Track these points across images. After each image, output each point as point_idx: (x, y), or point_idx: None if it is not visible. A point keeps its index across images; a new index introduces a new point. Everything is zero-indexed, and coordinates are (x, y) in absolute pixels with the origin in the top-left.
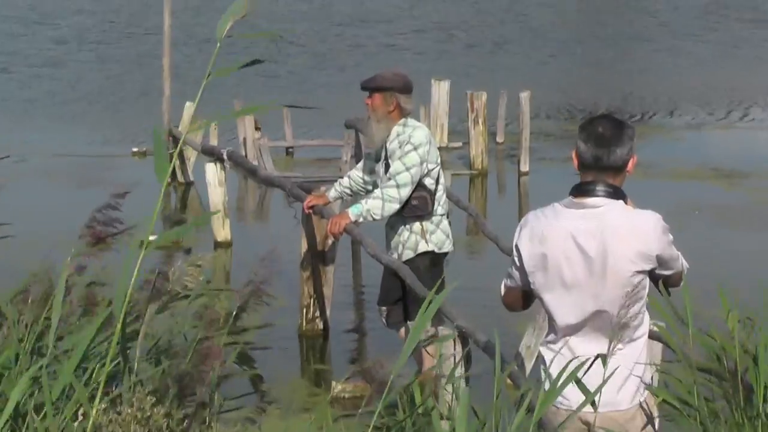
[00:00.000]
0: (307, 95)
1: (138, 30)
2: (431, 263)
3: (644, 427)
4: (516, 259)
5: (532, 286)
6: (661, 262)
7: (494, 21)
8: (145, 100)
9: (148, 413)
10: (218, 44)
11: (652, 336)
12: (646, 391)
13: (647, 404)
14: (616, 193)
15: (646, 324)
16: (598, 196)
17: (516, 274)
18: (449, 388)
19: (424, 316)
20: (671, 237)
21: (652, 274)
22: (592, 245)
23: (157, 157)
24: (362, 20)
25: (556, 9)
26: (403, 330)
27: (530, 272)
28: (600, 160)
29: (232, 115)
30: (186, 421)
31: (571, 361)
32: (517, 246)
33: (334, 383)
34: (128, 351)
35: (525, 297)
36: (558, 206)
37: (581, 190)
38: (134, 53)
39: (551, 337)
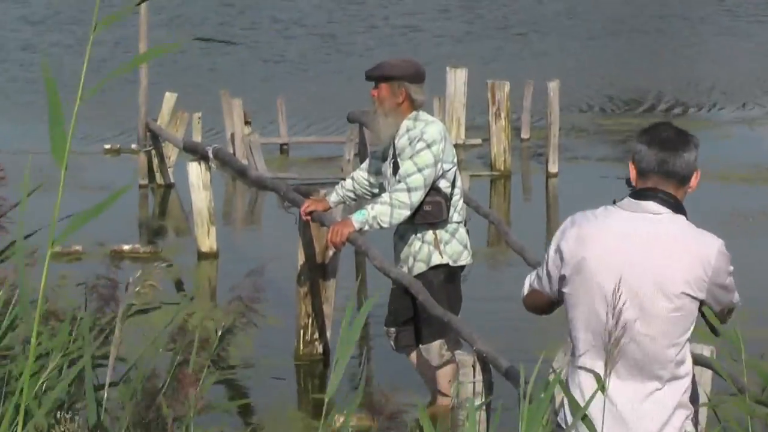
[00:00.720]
0: (308, 83)
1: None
2: (446, 278)
3: None
4: (551, 261)
5: (564, 294)
6: (714, 293)
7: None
8: (119, 91)
9: None
10: None
11: (699, 362)
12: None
13: None
14: (678, 207)
15: (689, 361)
16: (659, 202)
17: (546, 277)
18: (468, 420)
19: None
20: (732, 268)
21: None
22: (643, 253)
23: (53, 127)
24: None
25: None
26: (414, 354)
27: (567, 277)
28: (665, 164)
29: (130, 66)
30: None
31: (596, 391)
32: (559, 247)
33: (335, 415)
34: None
35: (550, 303)
36: (610, 207)
37: (640, 195)
38: (111, 38)
39: (575, 359)
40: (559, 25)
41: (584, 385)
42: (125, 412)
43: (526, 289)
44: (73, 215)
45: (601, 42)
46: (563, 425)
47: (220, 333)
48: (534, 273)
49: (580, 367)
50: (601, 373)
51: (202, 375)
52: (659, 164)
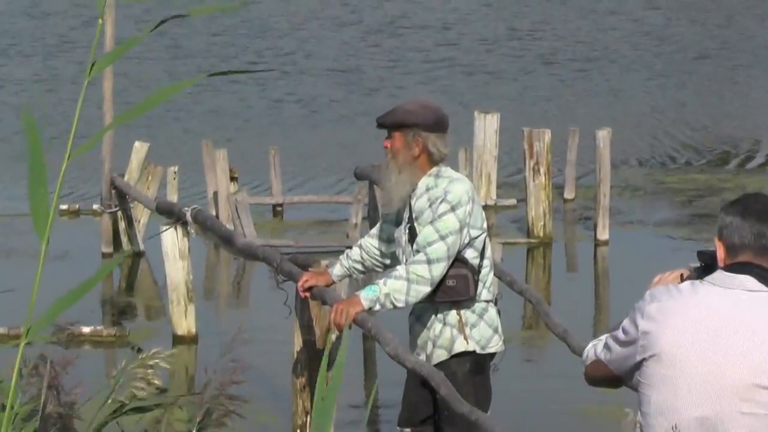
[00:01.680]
0: (309, 130)
1: (80, 37)
2: (473, 368)
3: None
4: (624, 338)
5: (638, 378)
6: None
7: (581, 29)
8: (77, 142)
9: None
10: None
11: None
12: None
13: None
14: None
15: None
16: (757, 279)
17: (618, 352)
18: None
19: None
20: None
21: None
22: (736, 336)
23: (33, 199)
24: (407, 27)
25: (663, 15)
26: None
27: (643, 359)
28: (763, 237)
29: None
30: None
31: None
32: (635, 324)
33: None
34: None
35: (616, 379)
36: (697, 282)
37: (734, 269)
38: (69, 72)
39: None
40: (613, 62)
41: None
42: None
43: (589, 358)
44: (56, 302)
45: (661, 81)
46: None
47: (196, 429)
48: (601, 341)
49: None
50: None
51: None
52: (756, 237)
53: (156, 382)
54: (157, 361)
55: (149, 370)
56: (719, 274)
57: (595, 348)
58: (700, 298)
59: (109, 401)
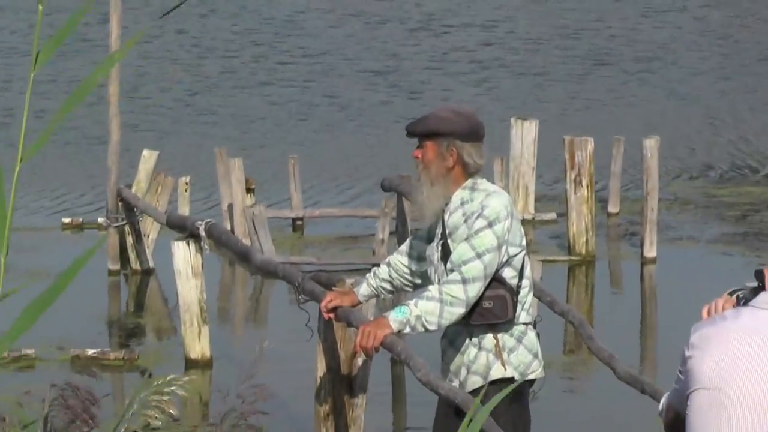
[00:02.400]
0: (332, 138)
1: (82, 45)
2: (511, 396)
3: None
4: (679, 373)
5: (687, 411)
6: None
7: (636, 27)
8: (84, 148)
9: None
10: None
11: None
12: None
13: None
14: None
15: None
16: None
17: (678, 391)
18: None
19: None
20: None
21: None
22: None
23: None
24: (449, 24)
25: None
26: None
27: (690, 391)
28: None
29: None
30: None
31: None
32: (682, 356)
33: None
34: None
35: (681, 422)
36: (741, 308)
37: None
38: (65, 77)
39: None
40: (671, 63)
41: None
42: None
43: (662, 408)
44: (25, 309)
45: (721, 86)
46: None
47: None
48: (672, 386)
49: None
50: None
51: None
52: None
53: (171, 411)
54: (172, 387)
55: (164, 398)
56: (764, 296)
57: (666, 398)
58: (743, 321)
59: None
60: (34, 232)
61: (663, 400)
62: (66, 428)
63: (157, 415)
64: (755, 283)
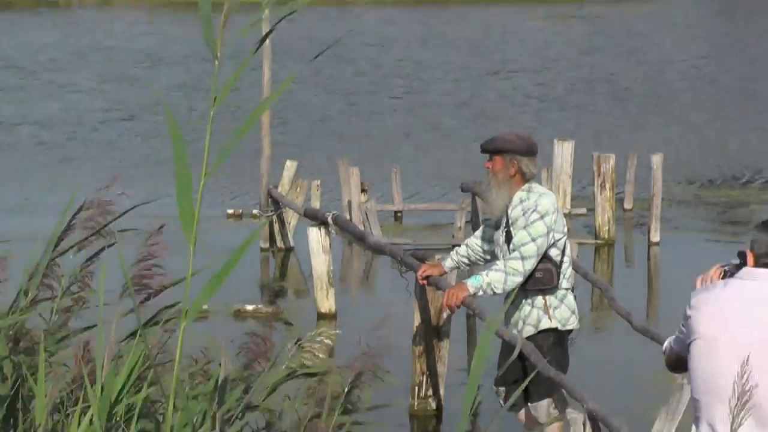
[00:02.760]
0: (428, 152)
1: (240, 82)
2: (554, 341)
3: None
4: (686, 316)
5: (688, 358)
6: None
7: (647, 73)
8: (242, 160)
9: None
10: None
11: None
12: None
13: None
14: None
15: None
16: None
17: (680, 339)
18: None
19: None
20: None
21: None
22: (761, 305)
23: (182, 208)
24: (511, 70)
25: (709, 56)
26: (522, 413)
27: (690, 342)
28: None
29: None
30: None
31: None
32: (684, 314)
33: None
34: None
35: (683, 361)
36: (729, 279)
37: (757, 266)
38: (230, 107)
39: (697, 420)
40: (672, 99)
41: None
42: None
43: (665, 348)
44: (211, 279)
45: (709, 117)
46: None
47: (347, 389)
48: (674, 336)
49: (702, 429)
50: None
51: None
52: None
53: (320, 354)
54: (321, 338)
55: (315, 345)
56: (746, 270)
57: (669, 341)
58: (731, 288)
59: (283, 367)
60: (205, 220)
61: (666, 344)
62: (249, 364)
63: (308, 357)
64: (738, 261)
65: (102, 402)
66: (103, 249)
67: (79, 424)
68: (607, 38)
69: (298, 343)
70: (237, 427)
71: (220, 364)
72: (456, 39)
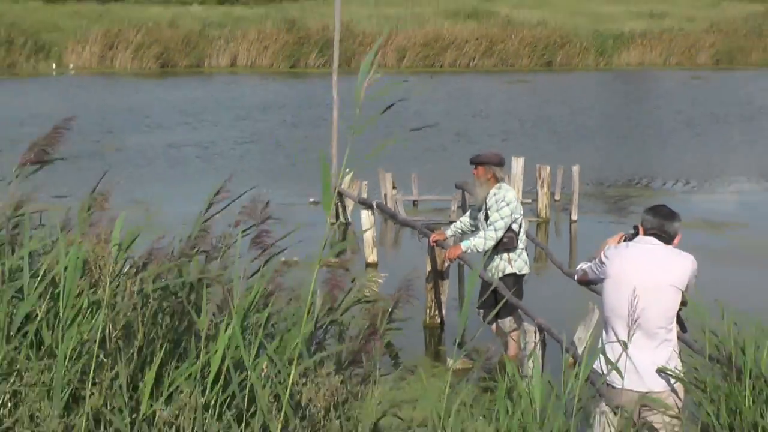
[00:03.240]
0: (441, 162)
1: (322, 119)
2: (514, 281)
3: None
4: (600, 266)
5: (603, 288)
6: (689, 284)
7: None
8: (315, 165)
9: (331, 378)
10: (358, 109)
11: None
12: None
13: (677, 388)
14: (667, 243)
15: (674, 331)
16: (657, 239)
17: (595, 271)
18: (530, 363)
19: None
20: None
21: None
22: (649, 264)
23: (325, 193)
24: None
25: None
26: (494, 325)
27: (605, 278)
28: (663, 227)
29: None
30: (357, 381)
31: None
32: (604, 258)
33: (448, 360)
34: (320, 332)
35: (592, 282)
36: (630, 242)
37: (646, 236)
38: (316, 134)
39: (606, 331)
40: (585, 130)
41: (615, 348)
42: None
43: (580, 271)
44: (321, 242)
45: (608, 141)
46: (599, 371)
47: (391, 309)
48: (587, 264)
49: (610, 335)
50: (624, 337)
51: (381, 331)
52: (659, 227)
53: (374, 289)
54: (375, 279)
55: (372, 283)
56: (640, 237)
57: (582, 267)
58: (631, 248)
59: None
60: (294, 205)
61: (578, 268)
62: (331, 292)
63: (368, 291)
64: (633, 231)
65: (238, 312)
66: (239, 222)
67: (225, 329)
68: (547, 94)
69: (357, 281)
70: (323, 332)
71: (313, 293)
72: (448, 96)
